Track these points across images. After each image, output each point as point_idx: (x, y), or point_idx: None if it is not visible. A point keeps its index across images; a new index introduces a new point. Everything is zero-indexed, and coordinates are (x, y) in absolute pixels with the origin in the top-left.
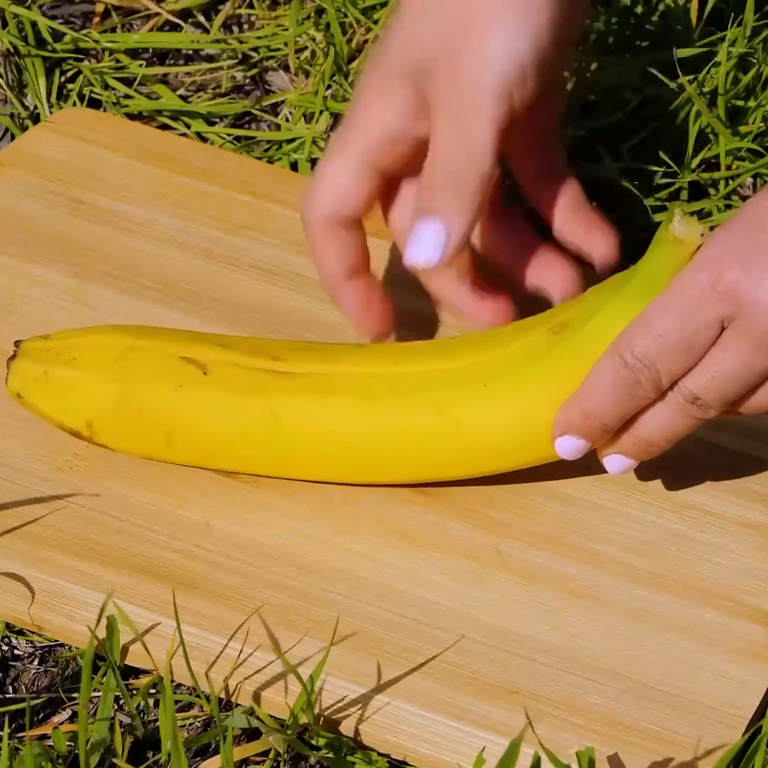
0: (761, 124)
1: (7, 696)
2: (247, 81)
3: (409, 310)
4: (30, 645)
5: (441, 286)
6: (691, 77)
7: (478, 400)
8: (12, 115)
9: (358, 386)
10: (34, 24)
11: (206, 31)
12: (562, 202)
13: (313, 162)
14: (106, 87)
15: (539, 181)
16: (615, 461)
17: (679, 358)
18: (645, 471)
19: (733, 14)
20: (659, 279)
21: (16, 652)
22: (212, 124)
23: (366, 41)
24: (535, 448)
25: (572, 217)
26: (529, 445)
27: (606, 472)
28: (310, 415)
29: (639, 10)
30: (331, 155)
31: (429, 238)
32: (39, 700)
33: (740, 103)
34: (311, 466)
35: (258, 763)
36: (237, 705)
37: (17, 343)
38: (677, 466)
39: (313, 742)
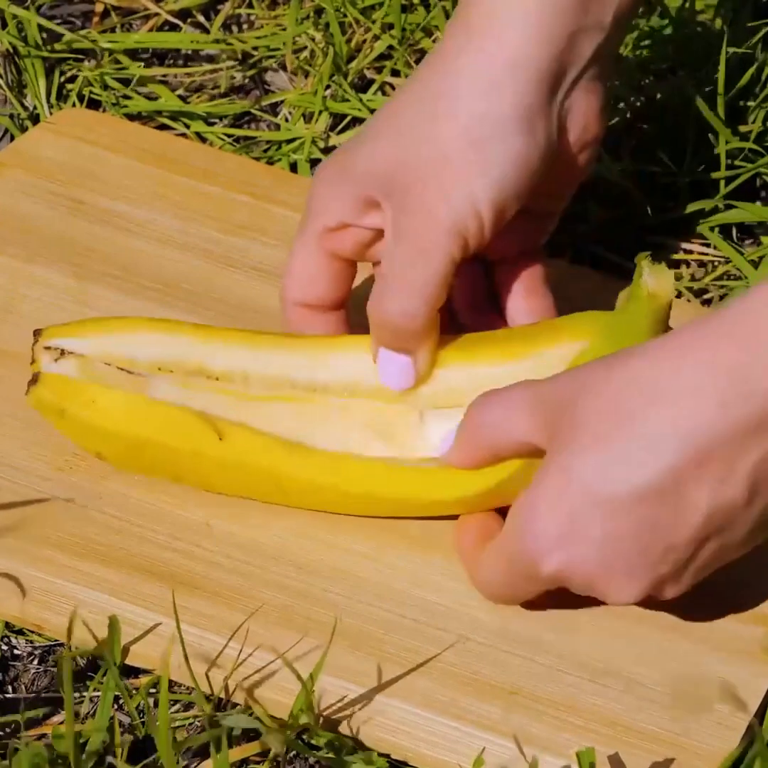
0: (761, 125)
1: (7, 696)
2: (247, 81)
3: None
4: (29, 645)
5: None
6: (690, 77)
7: (485, 499)
8: (12, 116)
9: (371, 477)
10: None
11: (206, 31)
12: (530, 314)
13: (313, 162)
14: (106, 87)
15: (515, 293)
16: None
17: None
18: None
19: (732, 14)
20: (638, 330)
21: (15, 651)
22: (211, 124)
23: (365, 41)
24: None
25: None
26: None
27: None
28: (319, 492)
29: (638, 9)
30: (295, 244)
31: (394, 368)
32: (38, 701)
33: (740, 102)
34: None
35: (258, 763)
36: (237, 705)
37: (37, 333)
38: None
39: (313, 742)
